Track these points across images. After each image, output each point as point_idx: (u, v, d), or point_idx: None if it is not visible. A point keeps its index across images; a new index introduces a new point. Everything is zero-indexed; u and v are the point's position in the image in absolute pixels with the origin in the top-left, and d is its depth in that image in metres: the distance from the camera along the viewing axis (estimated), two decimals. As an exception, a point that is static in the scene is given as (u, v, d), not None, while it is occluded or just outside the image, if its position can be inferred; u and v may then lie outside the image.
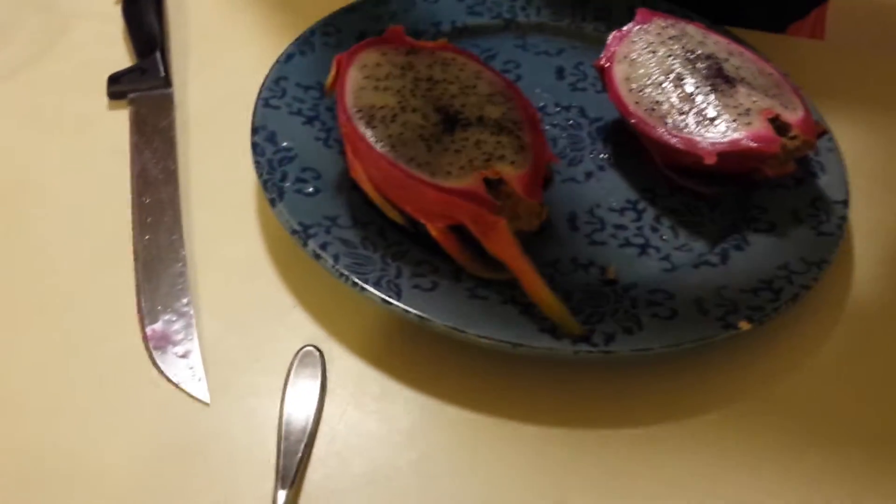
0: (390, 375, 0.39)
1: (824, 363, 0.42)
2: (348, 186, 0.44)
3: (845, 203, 0.46)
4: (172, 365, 0.38)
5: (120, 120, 0.49)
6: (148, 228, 0.43)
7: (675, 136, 0.45)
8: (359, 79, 0.45)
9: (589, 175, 0.48)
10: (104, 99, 0.50)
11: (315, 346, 0.39)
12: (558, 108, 0.51)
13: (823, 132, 0.47)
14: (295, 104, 0.48)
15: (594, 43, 0.53)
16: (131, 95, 0.49)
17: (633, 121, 0.46)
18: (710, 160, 0.43)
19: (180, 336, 0.39)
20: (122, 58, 0.52)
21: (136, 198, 0.44)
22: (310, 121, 0.47)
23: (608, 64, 0.49)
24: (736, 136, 0.44)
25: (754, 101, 0.46)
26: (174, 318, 0.40)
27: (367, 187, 0.42)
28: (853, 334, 0.43)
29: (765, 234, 0.44)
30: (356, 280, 0.39)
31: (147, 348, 0.39)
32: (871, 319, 0.44)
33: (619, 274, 0.42)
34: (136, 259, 0.42)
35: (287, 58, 0.50)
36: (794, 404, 0.40)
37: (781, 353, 0.42)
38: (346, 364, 0.39)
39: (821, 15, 0.67)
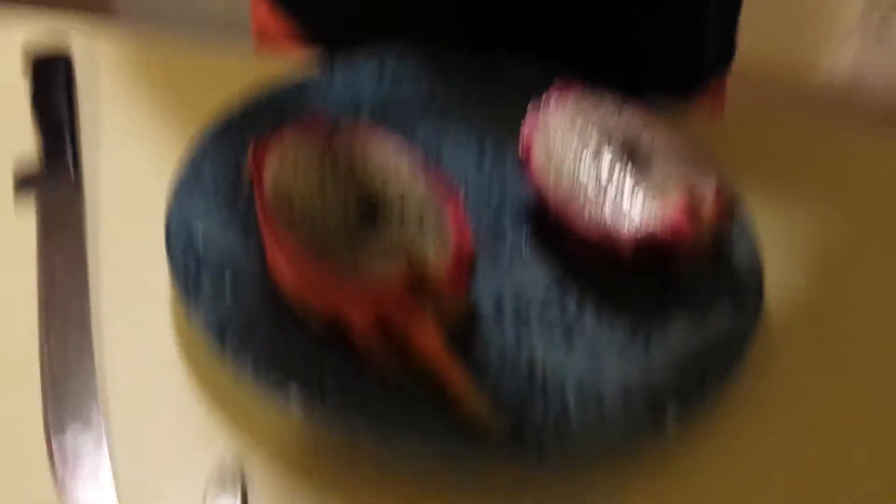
0: (316, 490, 0.38)
1: (750, 448, 0.42)
2: (267, 282, 0.43)
3: (760, 275, 0.46)
4: (80, 483, 0.36)
5: (26, 219, 0.47)
6: (54, 337, 0.41)
7: (593, 228, 0.45)
8: (277, 167, 0.44)
9: (514, 256, 0.47)
10: (8, 195, 0.48)
11: (234, 459, 0.38)
12: (481, 187, 0.51)
13: (736, 205, 0.48)
14: (211, 193, 0.46)
15: (515, 117, 0.53)
16: (38, 193, 0.48)
17: (551, 210, 0.46)
18: (627, 252, 0.44)
19: (88, 451, 0.37)
20: (28, 141, 0.50)
21: (43, 306, 0.42)
22: (227, 211, 0.46)
23: (527, 148, 0.49)
24: (651, 223, 0.44)
25: (669, 176, 0.47)
26: (82, 433, 0.38)
27: (287, 282, 0.41)
28: (779, 413, 0.43)
29: (686, 314, 0.45)
30: (274, 389, 0.38)
31: (52, 466, 0.37)
32: (797, 395, 0.44)
33: (545, 364, 0.42)
34: (41, 371, 0.40)
35: (203, 144, 0.48)
36: (722, 493, 0.40)
37: (711, 437, 0.42)
38: (266, 477, 0.38)
39: (721, 83, 0.69)
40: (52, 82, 0.53)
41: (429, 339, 0.39)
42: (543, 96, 0.51)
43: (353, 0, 0.62)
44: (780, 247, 0.50)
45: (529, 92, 0.54)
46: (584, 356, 0.43)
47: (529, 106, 0.51)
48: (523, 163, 0.49)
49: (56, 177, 0.48)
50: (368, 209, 0.43)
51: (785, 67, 1.60)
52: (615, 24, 0.60)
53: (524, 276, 0.46)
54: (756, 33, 1.55)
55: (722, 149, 0.53)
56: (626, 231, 0.44)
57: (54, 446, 0.37)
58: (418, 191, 0.45)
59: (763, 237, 0.48)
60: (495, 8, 0.59)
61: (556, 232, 0.47)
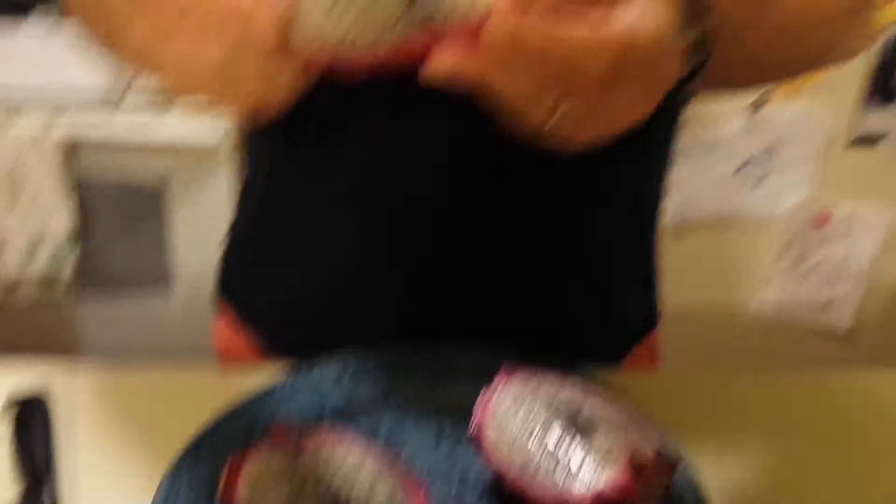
0: None
1: None
2: None
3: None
4: None
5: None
6: None
7: (548, 495, 0.48)
8: (250, 483, 0.47)
9: (480, 536, 0.50)
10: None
11: None
12: (442, 469, 0.54)
13: (678, 462, 0.52)
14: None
15: (468, 400, 0.57)
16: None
17: (508, 482, 0.50)
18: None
19: None
20: (6, 481, 0.53)
21: None
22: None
23: (480, 428, 0.53)
24: (600, 485, 0.48)
25: (613, 440, 0.51)
26: None
27: None
28: None
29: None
30: None
31: None
32: None
33: None
34: None
35: (178, 467, 0.52)
36: None
37: None
38: None
39: (651, 340, 0.75)
40: (29, 423, 0.57)
41: None
42: (491, 380, 0.56)
43: (310, 314, 0.68)
44: (725, 492, 0.53)
45: (479, 376, 0.59)
46: None
47: (480, 390, 0.55)
48: (478, 442, 0.53)
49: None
50: (338, 510, 0.46)
51: (714, 309, 1.70)
52: (545, 310, 0.67)
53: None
54: (683, 282, 1.66)
55: (660, 402, 0.58)
56: (577, 495, 0.48)
57: None
58: (383, 486, 0.48)
59: (708, 484, 0.52)
60: (442, 309, 0.65)
61: (519, 501, 0.50)
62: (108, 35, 0.55)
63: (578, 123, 0.42)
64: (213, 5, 0.39)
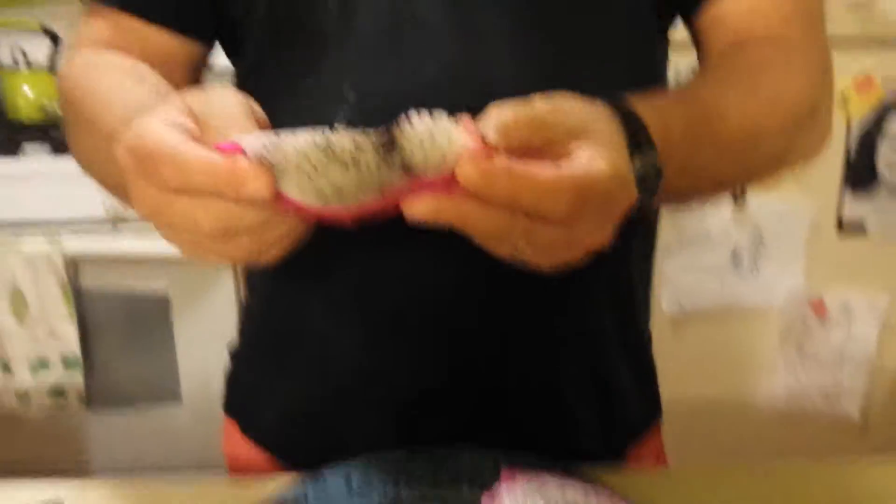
0: None
1: None
2: None
3: None
4: None
5: None
6: None
7: None
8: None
9: None
10: None
11: None
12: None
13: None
14: None
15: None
16: None
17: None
18: None
19: None
20: None
21: None
22: None
23: (487, 530, 0.54)
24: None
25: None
26: None
27: None
28: None
29: None
30: None
31: None
32: None
33: None
34: None
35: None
36: None
37: None
38: None
39: (657, 438, 0.75)
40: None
41: None
42: (495, 482, 0.57)
43: (315, 423, 0.70)
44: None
45: (483, 478, 0.60)
46: None
47: (485, 492, 0.56)
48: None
49: None
50: None
51: (721, 401, 1.70)
52: (545, 407, 0.68)
53: None
54: (686, 375, 1.67)
55: (668, 499, 0.58)
56: None
57: None
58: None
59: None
60: (445, 408, 0.67)
61: None
62: (113, 193, 0.59)
63: (544, 253, 0.46)
64: (202, 173, 0.42)
